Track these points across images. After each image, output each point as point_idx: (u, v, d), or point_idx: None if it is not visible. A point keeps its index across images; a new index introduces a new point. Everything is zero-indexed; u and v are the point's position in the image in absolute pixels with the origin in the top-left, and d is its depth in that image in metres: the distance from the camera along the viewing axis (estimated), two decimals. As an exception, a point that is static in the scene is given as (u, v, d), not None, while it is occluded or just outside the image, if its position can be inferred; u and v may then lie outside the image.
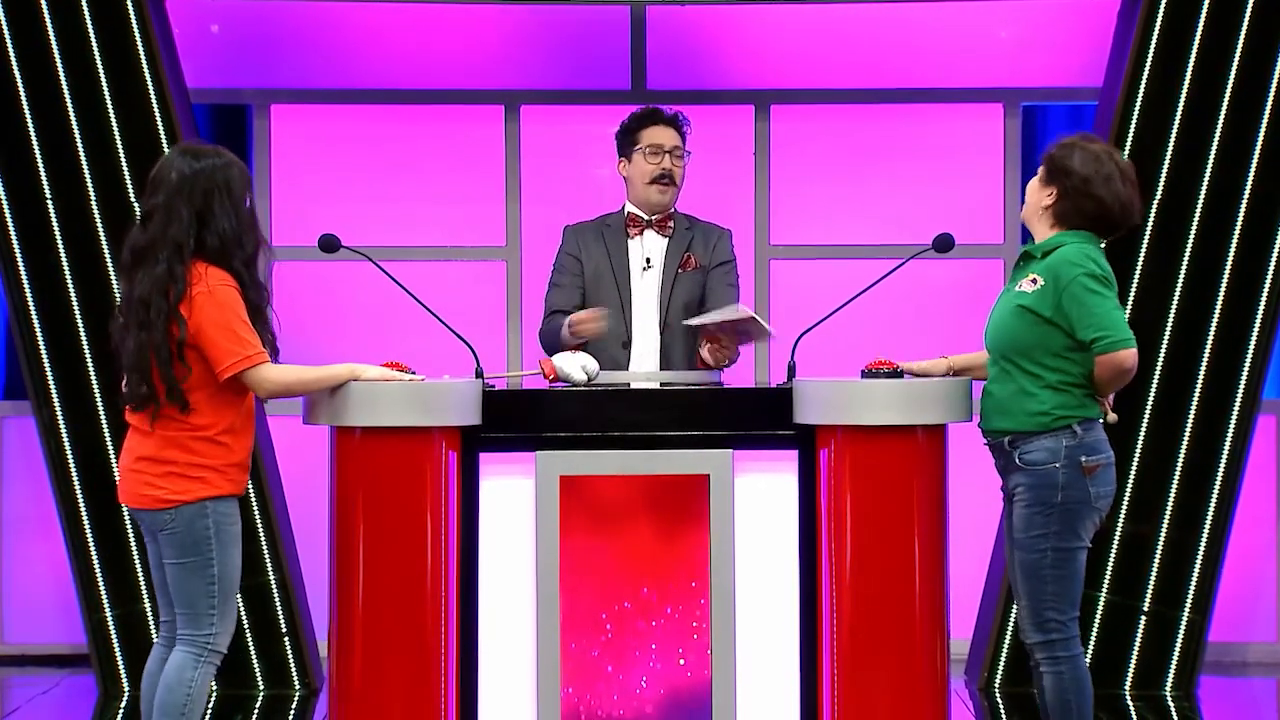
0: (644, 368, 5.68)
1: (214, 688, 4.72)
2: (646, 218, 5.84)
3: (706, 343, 5.52)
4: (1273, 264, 6.75)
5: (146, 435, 4.71)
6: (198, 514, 4.68)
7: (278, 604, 6.76)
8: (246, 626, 6.71)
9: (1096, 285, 4.72)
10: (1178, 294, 6.75)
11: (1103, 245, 4.87)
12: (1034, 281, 4.78)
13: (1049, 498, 4.74)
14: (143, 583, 6.71)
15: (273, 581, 6.75)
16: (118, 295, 4.86)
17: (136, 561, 6.73)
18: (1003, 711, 6.54)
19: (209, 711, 6.44)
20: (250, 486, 6.70)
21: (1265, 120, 6.72)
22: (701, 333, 5.53)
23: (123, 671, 6.73)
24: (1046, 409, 4.75)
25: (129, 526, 6.70)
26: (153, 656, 4.88)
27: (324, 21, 7.37)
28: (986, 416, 4.88)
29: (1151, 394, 6.75)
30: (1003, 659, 6.79)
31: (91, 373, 6.70)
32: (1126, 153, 6.70)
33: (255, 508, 6.73)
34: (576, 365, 5.08)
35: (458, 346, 5.02)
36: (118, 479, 4.85)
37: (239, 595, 4.91)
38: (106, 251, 6.68)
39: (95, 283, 6.71)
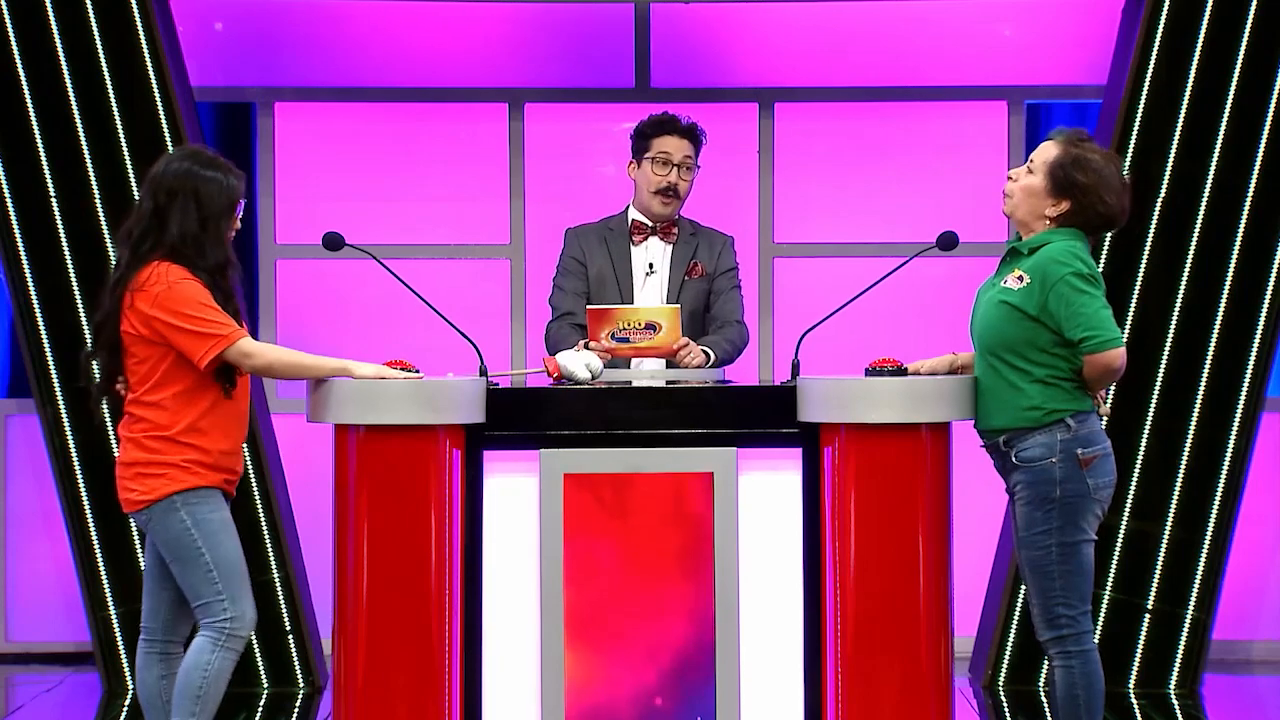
0: (647, 367, 5.68)
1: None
2: (650, 224, 5.84)
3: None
4: (1278, 261, 6.74)
5: (121, 439, 4.76)
6: (168, 509, 4.68)
7: (281, 601, 6.76)
8: (251, 624, 6.72)
9: (1084, 284, 4.71)
10: (1182, 291, 6.74)
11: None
12: (1020, 279, 4.77)
13: (1048, 493, 4.74)
14: (147, 581, 6.72)
15: (277, 579, 6.75)
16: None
17: (140, 559, 6.72)
18: (1006, 710, 6.54)
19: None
20: (254, 484, 6.71)
21: (1270, 117, 6.71)
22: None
23: (126, 669, 6.72)
24: (1037, 404, 4.74)
25: (133, 524, 6.70)
26: (139, 664, 4.89)
27: (328, 19, 7.37)
28: (979, 416, 4.87)
29: (1156, 391, 6.75)
30: (1007, 657, 6.78)
31: (95, 371, 6.68)
32: (1130, 150, 6.70)
33: (259, 505, 6.72)
34: (581, 363, 5.08)
35: (462, 344, 5.02)
36: None
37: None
38: (110, 250, 6.67)
39: (99, 281, 6.66)
